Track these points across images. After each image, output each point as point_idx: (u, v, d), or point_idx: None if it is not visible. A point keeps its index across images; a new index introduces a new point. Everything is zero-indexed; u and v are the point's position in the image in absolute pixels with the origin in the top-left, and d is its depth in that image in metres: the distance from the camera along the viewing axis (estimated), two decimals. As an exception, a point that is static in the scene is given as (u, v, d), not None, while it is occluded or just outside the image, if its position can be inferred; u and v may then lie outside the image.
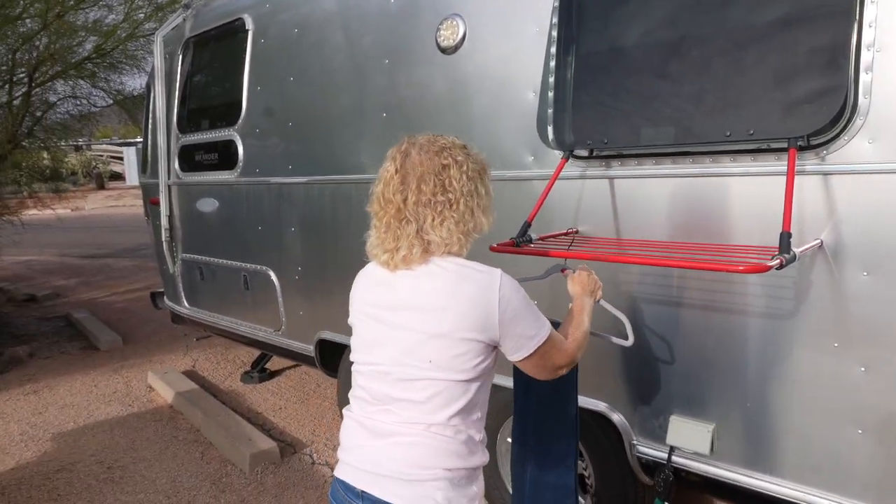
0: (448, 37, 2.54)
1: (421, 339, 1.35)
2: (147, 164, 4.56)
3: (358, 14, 2.93)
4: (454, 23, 2.52)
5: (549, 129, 2.23)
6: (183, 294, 4.38)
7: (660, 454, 2.15)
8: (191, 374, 4.92)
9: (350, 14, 2.97)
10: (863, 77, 1.64)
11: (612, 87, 2.07)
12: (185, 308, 4.39)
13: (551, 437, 2.04)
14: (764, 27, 1.76)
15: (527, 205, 2.23)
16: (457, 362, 1.34)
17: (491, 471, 2.79)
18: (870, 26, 1.62)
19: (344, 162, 3.04)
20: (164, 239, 4.28)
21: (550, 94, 2.22)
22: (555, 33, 2.21)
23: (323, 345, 3.35)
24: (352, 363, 1.50)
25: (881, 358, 1.69)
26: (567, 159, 2.14)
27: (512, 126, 2.37)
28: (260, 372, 4.81)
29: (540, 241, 2.07)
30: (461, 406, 1.36)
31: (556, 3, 2.20)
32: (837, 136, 1.68)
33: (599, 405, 2.28)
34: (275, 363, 4.98)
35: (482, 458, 1.43)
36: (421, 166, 1.37)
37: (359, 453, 1.41)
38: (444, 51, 2.57)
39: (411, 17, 2.70)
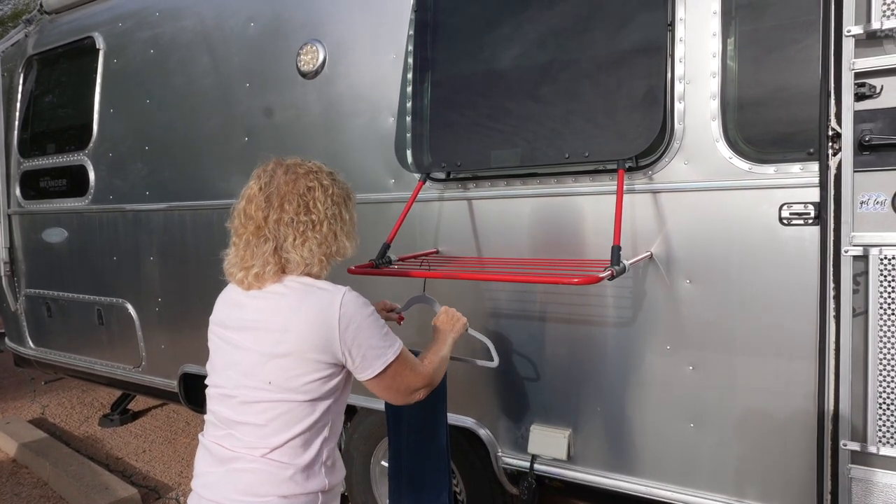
0: (308, 61, 2.55)
1: (261, 359, 1.33)
2: (-16, 192, 4.13)
3: (218, 37, 2.86)
4: (314, 48, 2.53)
5: (408, 153, 2.29)
6: (27, 333, 3.98)
7: (523, 463, 2.23)
8: (39, 422, 4.45)
9: (209, 36, 2.89)
10: (677, 106, 1.84)
11: (464, 111, 2.16)
12: (30, 349, 3.99)
13: (423, 473, 2.05)
14: (595, 59, 1.93)
15: (389, 227, 2.26)
16: (298, 382, 1.32)
17: (366, 494, 2.75)
18: (680, 61, 1.83)
19: (205, 187, 2.93)
20: (3, 273, 3.88)
21: (408, 118, 2.29)
22: (410, 60, 2.28)
23: (187, 379, 3.17)
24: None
25: (704, 357, 1.87)
26: (424, 181, 2.20)
27: (373, 150, 2.41)
28: (121, 414, 4.45)
29: (400, 262, 2.10)
30: (304, 427, 1.34)
31: (412, 31, 2.28)
32: (659, 157, 1.87)
33: (467, 421, 2.34)
34: (138, 403, 4.64)
35: (325, 481, 1.39)
36: (286, 186, 1.37)
37: (203, 480, 1.38)
38: (304, 75, 2.57)
39: (271, 42, 2.68)
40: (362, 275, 1.97)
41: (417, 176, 2.25)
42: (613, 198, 1.90)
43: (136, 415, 4.55)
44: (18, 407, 4.83)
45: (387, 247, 2.08)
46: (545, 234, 2.08)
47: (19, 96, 3.76)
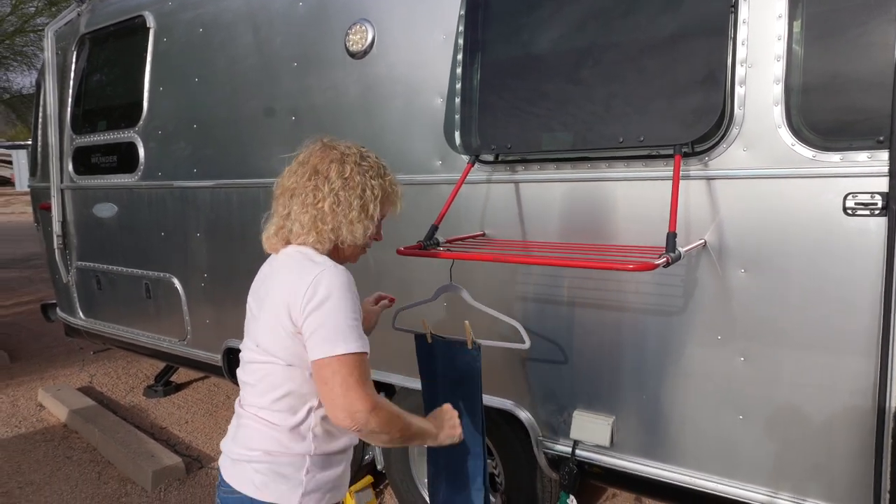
0: (357, 41, 2.54)
1: (257, 322, 1.43)
2: (37, 167, 4.26)
3: (266, 16, 2.88)
4: (363, 28, 2.52)
5: (457, 135, 2.28)
6: (78, 305, 4.11)
7: (564, 449, 2.23)
8: (87, 390, 4.62)
9: (258, 16, 2.91)
10: (738, 90, 1.78)
11: (516, 93, 2.13)
12: (80, 320, 4.13)
13: (460, 457, 2.06)
14: (654, 42, 1.88)
15: (435, 209, 2.27)
16: (276, 346, 1.38)
17: (403, 473, 2.79)
18: (742, 44, 1.77)
19: (252, 165, 2.97)
20: (56, 246, 4.00)
21: (457, 99, 2.27)
22: (461, 41, 2.26)
23: (231, 353, 3.24)
24: None
25: (757, 349, 1.83)
26: (473, 164, 2.19)
27: (420, 131, 2.40)
28: (164, 385, 4.59)
29: (447, 244, 2.10)
30: (285, 391, 1.39)
31: (462, 12, 2.26)
32: (717, 143, 1.82)
33: (506, 403, 2.34)
34: (181, 375, 4.77)
35: (311, 446, 1.41)
36: (310, 161, 1.44)
37: (226, 436, 1.53)
38: (353, 55, 2.57)
39: (320, 21, 2.68)
40: (410, 255, 1.97)
41: (466, 158, 2.24)
42: (666, 184, 1.87)
43: (179, 387, 4.69)
44: (68, 375, 5.02)
45: (434, 228, 2.08)
46: (594, 219, 2.05)
47: (72, 74, 3.85)
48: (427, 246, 2.02)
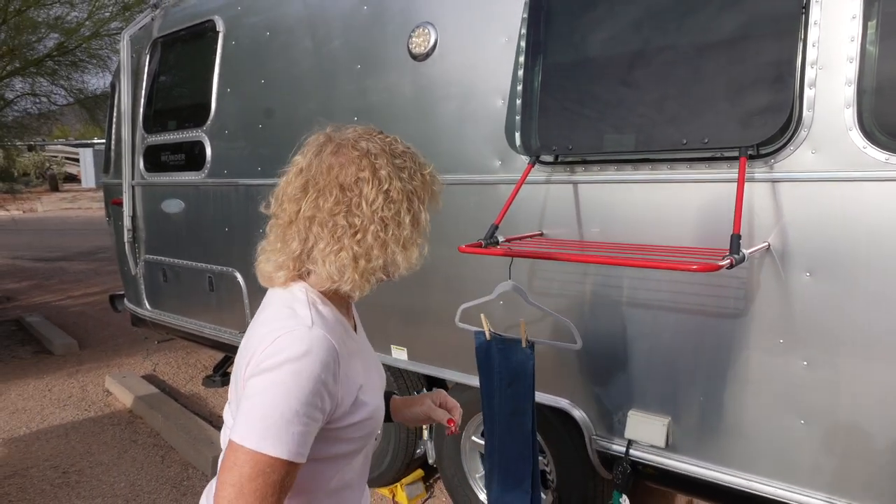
0: (420, 44, 2.61)
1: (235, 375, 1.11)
2: (110, 165, 4.49)
3: (330, 19, 2.98)
4: (426, 30, 2.59)
5: (517, 136, 2.31)
6: (145, 296, 4.31)
7: (618, 448, 2.24)
8: (151, 378, 4.84)
9: (322, 19, 3.01)
10: (807, 92, 1.77)
11: (577, 95, 2.16)
12: (146, 310, 4.33)
13: (510, 458, 2.09)
14: (719, 42, 1.88)
15: (492, 208, 2.31)
16: (231, 414, 1.09)
17: (455, 468, 2.84)
18: (813, 46, 1.75)
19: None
20: (126, 240, 4.22)
21: (518, 101, 2.31)
22: (523, 43, 2.30)
23: (289, 346, 3.36)
24: None
25: (821, 353, 1.81)
26: (534, 164, 2.22)
27: (480, 132, 2.45)
28: (222, 376, 4.76)
29: (506, 243, 2.14)
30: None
31: (525, 15, 2.29)
32: (784, 146, 1.81)
33: (561, 402, 2.36)
34: (238, 367, 4.94)
35: None
36: (329, 173, 1.05)
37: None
38: (415, 57, 2.64)
39: (383, 24, 2.76)
40: (471, 253, 2.02)
41: (525, 159, 2.28)
42: (729, 186, 1.86)
43: (236, 378, 4.86)
44: (132, 364, 5.26)
45: (495, 228, 2.12)
46: (655, 221, 2.06)
47: (145, 76, 4.05)
48: (487, 244, 2.06)
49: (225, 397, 4.48)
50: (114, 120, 4.40)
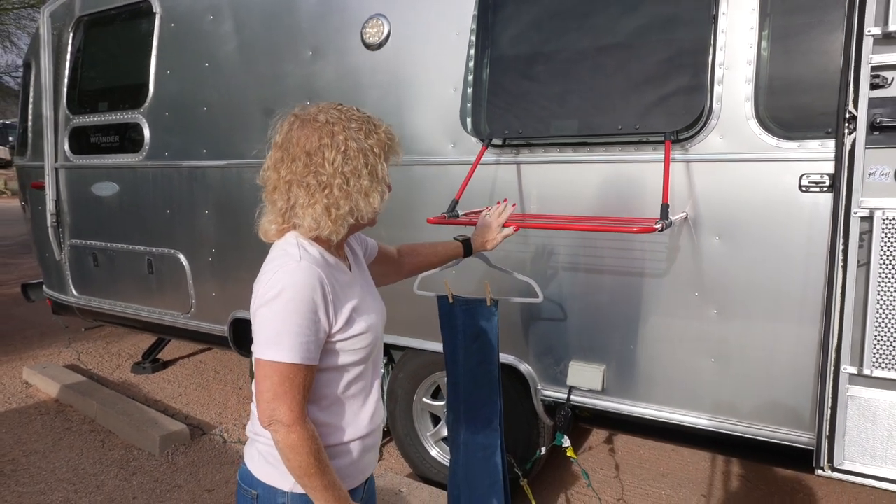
0: (373, 34, 2.80)
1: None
2: (27, 147, 4.30)
3: (282, 5, 3.09)
4: (380, 22, 2.79)
5: (468, 121, 2.58)
6: (71, 282, 4.19)
7: (560, 395, 2.57)
8: (74, 368, 4.69)
9: (272, 5, 3.11)
10: (716, 88, 2.15)
11: (524, 84, 2.45)
12: (73, 297, 4.21)
13: (478, 402, 2.36)
14: (647, 44, 2.23)
15: (446, 186, 2.58)
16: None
17: (407, 428, 3.08)
18: (721, 50, 2.14)
19: (264, 147, 3.17)
20: (49, 224, 4.08)
21: (469, 90, 2.57)
22: (473, 38, 2.56)
23: (236, 324, 3.45)
24: None
25: (728, 302, 2.22)
26: (487, 146, 2.49)
27: (434, 118, 2.69)
28: (152, 362, 4.71)
29: (465, 216, 2.40)
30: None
31: (475, 12, 2.55)
32: (698, 132, 2.19)
33: (509, 358, 2.66)
34: (166, 353, 4.89)
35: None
36: (297, 144, 1.29)
37: None
38: (368, 47, 2.83)
39: (336, 13, 2.92)
40: (437, 224, 2.27)
41: (477, 142, 2.55)
42: (654, 165, 2.23)
43: (166, 364, 4.81)
44: (46, 355, 5.05)
45: (455, 202, 2.37)
46: (594, 196, 2.39)
47: (68, 55, 3.93)
48: (450, 216, 2.31)
49: (156, 384, 4.46)
50: (30, 100, 4.22)
